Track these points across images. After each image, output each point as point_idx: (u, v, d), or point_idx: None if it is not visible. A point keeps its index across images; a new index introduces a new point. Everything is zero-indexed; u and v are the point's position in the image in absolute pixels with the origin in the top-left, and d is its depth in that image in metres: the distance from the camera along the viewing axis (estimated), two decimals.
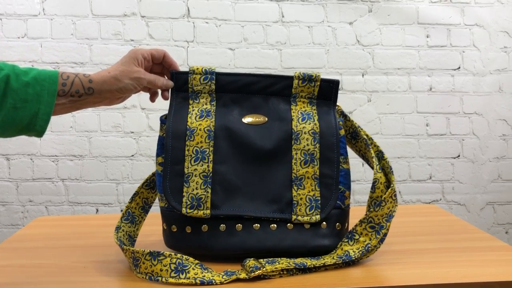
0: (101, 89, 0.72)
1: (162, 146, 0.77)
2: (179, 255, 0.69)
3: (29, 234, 0.95)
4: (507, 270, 0.71)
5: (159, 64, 0.81)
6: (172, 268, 0.68)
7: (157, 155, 0.77)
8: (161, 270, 0.68)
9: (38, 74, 0.68)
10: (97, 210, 1.95)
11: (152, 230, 0.91)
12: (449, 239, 0.88)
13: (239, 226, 0.74)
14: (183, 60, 1.91)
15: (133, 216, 0.82)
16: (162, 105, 1.87)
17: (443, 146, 2.04)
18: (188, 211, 0.73)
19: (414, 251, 0.81)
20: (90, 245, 0.87)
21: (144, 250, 0.69)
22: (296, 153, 0.76)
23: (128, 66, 0.75)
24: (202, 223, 0.74)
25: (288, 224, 0.75)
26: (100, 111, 1.93)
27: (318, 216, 0.75)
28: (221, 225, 0.74)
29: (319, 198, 0.75)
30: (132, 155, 1.95)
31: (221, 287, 0.66)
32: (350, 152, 0.83)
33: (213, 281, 0.66)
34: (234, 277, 0.67)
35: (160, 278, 0.67)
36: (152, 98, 0.83)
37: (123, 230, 0.80)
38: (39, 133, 0.69)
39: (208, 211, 0.73)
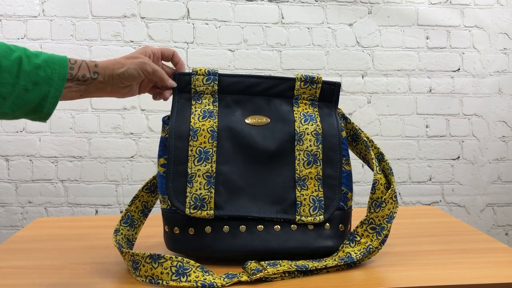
0: (105, 73, 0.72)
1: (164, 147, 0.76)
2: (179, 258, 0.69)
3: (29, 235, 0.95)
4: (507, 272, 0.71)
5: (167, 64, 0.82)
6: (173, 271, 0.67)
7: (159, 156, 0.77)
8: (161, 273, 0.67)
9: (48, 58, 0.68)
10: (97, 211, 1.95)
11: (152, 231, 0.91)
12: (449, 240, 0.88)
13: (242, 227, 0.74)
14: (183, 61, 1.91)
15: (132, 219, 0.82)
16: (162, 106, 1.87)
17: (443, 148, 2.04)
18: (192, 211, 0.72)
19: (414, 253, 0.81)
20: (90, 247, 0.86)
21: (144, 253, 0.69)
22: (299, 154, 0.76)
23: (134, 54, 0.75)
24: (206, 225, 0.73)
25: (292, 225, 0.75)
26: (99, 112, 1.93)
27: (321, 217, 0.75)
28: (225, 226, 0.74)
29: (322, 198, 0.75)
30: (132, 156, 1.95)
31: None
32: (350, 154, 0.83)
33: (215, 284, 0.66)
34: (235, 279, 0.67)
35: (160, 281, 0.67)
36: (155, 97, 0.82)
37: (121, 233, 0.80)
38: (46, 116, 0.69)
39: (212, 212, 0.73)
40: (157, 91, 0.82)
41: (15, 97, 0.65)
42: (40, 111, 0.68)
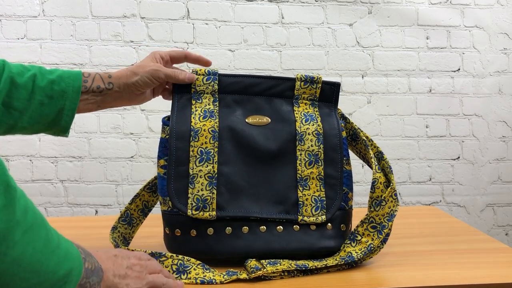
0: (119, 83, 0.75)
1: (164, 148, 0.76)
2: (180, 257, 0.69)
3: None
4: (507, 272, 0.71)
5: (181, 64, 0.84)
6: (174, 269, 0.68)
7: (159, 157, 0.76)
8: None
9: (62, 73, 0.73)
10: (97, 211, 1.95)
11: (151, 232, 0.91)
12: (449, 241, 0.88)
13: (245, 228, 0.73)
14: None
15: (131, 218, 0.82)
16: (162, 107, 1.87)
17: (443, 148, 2.04)
18: (194, 212, 0.72)
19: (415, 253, 0.81)
20: (90, 247, 0.86)
21: (146, 251, 0.69)
22: (301, 154, 0.76)
23: (144, 62, 0.77)
24: (208, 226, 0.73)
25: (295, 226, 0.74)
26: (99, 112, 1.93)
27: (323, 217, 0.75)
28: (227, 228, 0.73)
29: (324, 198, 0.75)
30: (132, 157, 1.95)
31: (221, 287, 0.66)
32: (350, 153, 0.83)
33: (213, 281, 0.66)
34: (234, 277, 0.67)
35: None
36: (164, 94, 0.83)
37: (118, 231, 0.79)
38: (64, 129, 0.73)
39: (214, 213, 0.72)
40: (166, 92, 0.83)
41: (32, 111, 0.70)
42: (58, 124, 0.72)
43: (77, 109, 0.73)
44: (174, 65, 0.83)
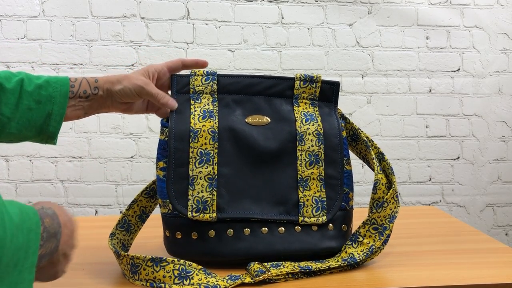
0: (104, 87, 0.74)
1: (163, 150, 0.75)
2: (182, 261, 0.68)
3: None
4: (507, 272, 0.71)
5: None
6: (176, 274, 0.67)
7: (158, 159, 0.76)
8: (164, 276, 0.67)
9: (49, 78, 0.72)
10: (96, 211, 1.94)
11: (152, 232, 0.91)
12: (449, 241, 0.88)
13: (247, 230, 0.73)
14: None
15: (129, 224, 0.81)
16: None
17: (443, 148, 2.04)
18: (194, 214, 0.71)
19: (415, 253, 0.81)
20: (89, 247, 0.86)
21: (145, 256, 0.68)
22: (301, 154, 0.76)
23: (135, 74, 0.76)
24: (209, 229, 0.72)
25: (296, 227, 0.74)
26: None
27: (324, 217, 0.74)
28: (229, 230, 0.73)
29: (325, 199, 0.75)
30: (132, 157, 1.95)
31: None
32: (350, 153, 0.83)
33: (218, 286, 0.65)
34: (239, 281, 0.67)
35: (163, 285, 0.66)
36: (158, 113, 0.82)
37: (117, 238, 0.78)
38: (52, 135, 0.73)
39: (214, 214, 0.72)
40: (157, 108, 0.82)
41: (20, 117, 0.69)
42: (46, 130, 0.72)
43: (66, 115, 0.72)
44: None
